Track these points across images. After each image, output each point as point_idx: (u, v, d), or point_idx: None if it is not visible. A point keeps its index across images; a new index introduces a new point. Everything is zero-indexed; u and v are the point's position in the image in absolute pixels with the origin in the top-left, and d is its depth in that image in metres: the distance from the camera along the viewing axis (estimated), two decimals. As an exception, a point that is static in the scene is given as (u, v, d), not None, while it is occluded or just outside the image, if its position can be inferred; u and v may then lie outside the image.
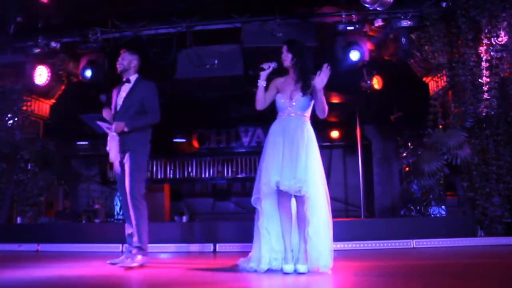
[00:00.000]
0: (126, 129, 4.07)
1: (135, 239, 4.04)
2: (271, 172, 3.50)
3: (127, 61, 4.33)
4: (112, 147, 4.09)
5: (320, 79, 3.54)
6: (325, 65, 3.56)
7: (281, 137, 3.60)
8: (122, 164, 4.16)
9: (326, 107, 3.66)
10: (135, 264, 3.92)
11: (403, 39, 6.21)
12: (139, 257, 3.98)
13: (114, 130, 4.08)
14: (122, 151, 4.11)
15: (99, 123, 4.18)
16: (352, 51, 6.59)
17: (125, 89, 4.29)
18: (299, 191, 3.43)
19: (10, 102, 7.05)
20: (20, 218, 6.85)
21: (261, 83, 3.70)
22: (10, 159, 6.87)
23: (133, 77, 4.34)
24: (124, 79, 4.32)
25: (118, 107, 4.24)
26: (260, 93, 3.71)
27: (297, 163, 3.48)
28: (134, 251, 4.02)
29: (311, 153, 3.57)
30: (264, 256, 3.61)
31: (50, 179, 7.16)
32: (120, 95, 4.28)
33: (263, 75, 3.71)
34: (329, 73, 3.54)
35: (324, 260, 3.50)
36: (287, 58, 3.74)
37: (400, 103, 9.06)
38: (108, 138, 4.13)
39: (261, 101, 3.73)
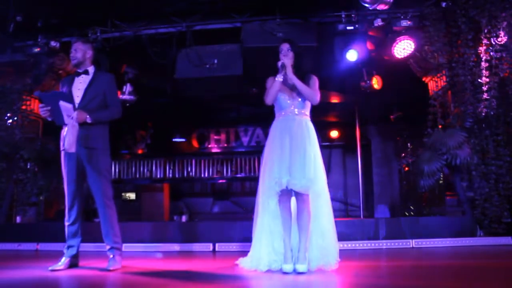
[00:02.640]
0: (89, 121, 3.79)
1: (110, 239, 3.92)
2: (281, 172, 3.50)
3: (81, 52, 3.99)
4: (71, 135, 3.73)
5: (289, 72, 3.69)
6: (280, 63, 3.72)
7: (287, 136, 3.61)
8: (79, 161, 3.88)
9: (312, 91, 3.69)
10: (118, 266, 3.87)
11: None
12: (119, 258, 3.93)
13: (76, 119, 3.74)
14: (85, 147, 3.83)
15: (62, 104, 3.72)
16: (351, 51, 6.60)
17: (83, 80, 3.97)
18: (307, 189, 3.48)
19: (9, 101, 7.04)
20: (20, 218, 6.84)
21: (279, 78, 3.69)
22: (10, 159, 6.87)
23: (90, 69, 4.03)
24: (80, 71, 4.00)
25: (77, 99, 3.88)
26: (276, 88, 3.69)
27: (306, 162, 3.51)
28: (112, 254, 3.92)
29: (317, 152, 3.63)
30: (263, 258, 3.61)
31: (49, 178, 7.15)
32: (76, 87, 3.95)
33: (282, 71, 3.69)
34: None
35: (333, 258, 3.58)
36: (288, 57, 3.75)
37: (400, 103, 9.07)
38: (68, 126, 3.78)
39: (275, 96, 3.73)
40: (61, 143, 3.93)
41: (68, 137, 3.76)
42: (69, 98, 3.80)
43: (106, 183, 3.94)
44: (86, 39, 4.16)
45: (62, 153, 3.95)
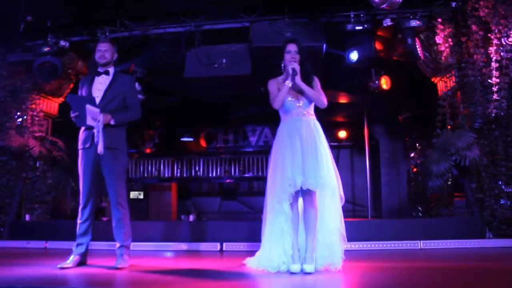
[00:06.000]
0: (112, 122, 3.85)
1: (121, 238, 3.95)
2: (294, 173, 3.50)
3: (110, 53, 4.07)
4: (101, 137, 3.78)
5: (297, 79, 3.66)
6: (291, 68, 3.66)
7: (297, 137, 3.61)
8: (97, 161, 3.92)
9: (320, 96, 3.70)
10: (126, 265, 3.88)
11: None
12: (127, 257, 3.96)
13: (102, 122, 3.79)
14: (105, 148, 3.81)
15: (89, 107, 3.77)
16: (360, 51, 6.57)
17: (103, 81, 4.01)
18: (322, 187, 3.52)
19: (19, 100, 7.10)
20: (29, 216, 6.90)
21: (289, 83, 3.67)
22: (19, 157, 6.92)
23: (111, 69, 4.08)
24: (102, 71, 4.04)
25: (96, 99, 3.90)
26: (285, 93, 3.68)
27: (318, 161, 3.53)
28: (121, 252, 3.94)
29: (327, 150, 3.65)
30: (274, 259, 3.59)
31: (58, 177, 7.20)
32: (96, 87, 3.99)
33: (292, 76, 3.66)
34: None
35: (338, 257, 3.57)
36: (295, 59, 3.73)
37: (409, 104, 9.02)
38: (95, 130, 3.81)
39: (283, 101, 3.72)
40: (79, 142, 3.99)
41: (100, 142, 3.78)
42: (93, 102, 3.84)
43: (122, 183, 3.98)
44: (111, 40, 4.20)
45: (80, 152, 3.99)
